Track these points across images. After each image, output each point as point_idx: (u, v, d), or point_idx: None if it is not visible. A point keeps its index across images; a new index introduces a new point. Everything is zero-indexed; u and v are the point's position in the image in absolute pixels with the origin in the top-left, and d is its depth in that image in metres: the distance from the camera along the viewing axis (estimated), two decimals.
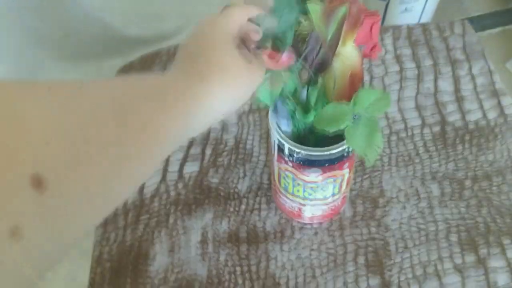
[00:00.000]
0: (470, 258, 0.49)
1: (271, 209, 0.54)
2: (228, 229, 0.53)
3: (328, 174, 0.43)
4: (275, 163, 0.46)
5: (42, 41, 1.26)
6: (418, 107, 0.62)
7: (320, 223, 0.52)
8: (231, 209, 0.54)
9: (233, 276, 0.49)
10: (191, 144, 0.59)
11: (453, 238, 0.51)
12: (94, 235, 0.54)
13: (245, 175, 0.56)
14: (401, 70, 0.65)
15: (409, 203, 0.53)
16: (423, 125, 0.60)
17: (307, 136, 0.43)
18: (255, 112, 0.62)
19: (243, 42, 0.33)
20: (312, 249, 0.50)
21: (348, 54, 0.40)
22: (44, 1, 1.15)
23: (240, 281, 0.49)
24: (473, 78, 0.65)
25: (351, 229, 0.51)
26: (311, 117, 0.40)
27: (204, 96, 0.28)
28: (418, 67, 0.66)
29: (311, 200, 0.47)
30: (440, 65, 0.66)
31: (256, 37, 0.33)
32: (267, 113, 0.43)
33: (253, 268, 0.50)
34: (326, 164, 0.42)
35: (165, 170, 0.57)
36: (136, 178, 0.25)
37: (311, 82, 0.42)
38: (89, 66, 1.36)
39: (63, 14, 1.19)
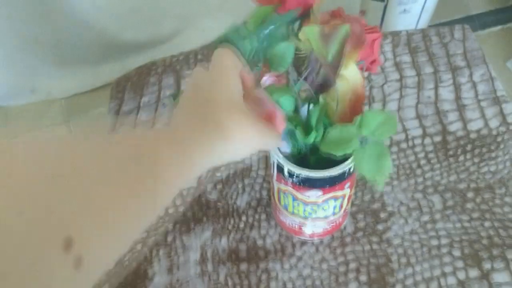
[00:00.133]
0: (473, 273, 0.49)
1: (271, 226, 0.53)
2: (227, 247, 0.52)
3: (329, 194, 0.43)
4: (275, 182, 0.45)
5: (38, 47, 1.25)
6: (418, 117, 0.61)
7: (321, 239, 0.51)
8: (230, 226, 0.53)
9: None
10: None
11: (456, 253, 0.50)
12: None
13: (244, 190, 0.56)
14: (401, 78, 0.64)
15: (411, 217, 0.52)
16: (424, 135, 0.59)
17: (307, 156, 0.42)
18: None
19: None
20: (313, 267, 0.50)
21: (350, 75, 0.39)
22: (40, 8, 1.14)
23: None
24: (474, 85, 0.63)
25: (352, 246, 0.51)
26: (312, 138, 0.39)
27: (227, 153, 0.28)
28: (418, 74, 0.65)
29: (312, 219, 0.47)
30: (440, 72, 0.65)
31: (251, 83, 0.32)
32: None
33: None
34: (327, 186, 0.41)
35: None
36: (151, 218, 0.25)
37: (311, 101, 0.41)
38: (86, 71, 1.35)
39: (58, 21, 1.18)
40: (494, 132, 0.59)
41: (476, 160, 0.56)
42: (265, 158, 0.58)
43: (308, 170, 0.40)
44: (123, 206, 0.22)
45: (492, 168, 0.56)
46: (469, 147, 0.58)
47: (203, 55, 0.69)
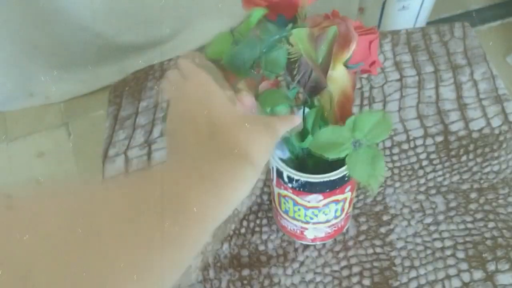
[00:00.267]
0: (478, 274, 0.48)
1: (273, 231, 0.52)
2: (229, 253, 0.51)
3: (330, 198, 0.42)
4: (275, 187, 0.44)
5: (36, 52, 1.25)
6: (419, 117, 0.60)
7: (324, 243, 0.51)
8: (231, 232, 0.53)
9: None
10: None
11: (460, 255, 0.49)
12: None
13: None
14: (401, 78, 0.64)
15: (414, 219, 0.52)
16: (425, 135, 0.58)
17: (305, 160, 0.42)
18: None
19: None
20: (316, 272, 0.49)
21: (338, 76, 0.38)
22: (37, 12, 1.14)
23: None
24: (475, 83, 0.63)
25: (355, 249, 0.50)
26: (308, 142, 0.39)
27: (255, 174, 0.27)
28: (419, 74, 0.64)
29: (313, 223, 0.46)
30: (441, 71, 0.64)
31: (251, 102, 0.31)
32: None
33: None
34: (327, 190, 0.41)
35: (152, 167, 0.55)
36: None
37: (306, 105, 0.40)
38: (84, 74, 1.34)
39: (55, 24, 1.17)
40: (496, 131, 0.58)
41: (478, 160, 0.56)
42: None
43: (308, 175, 0.39)
44: (154, 260, 0.20)
45: (495, 168, 0.55)
46: (471, 147, 0.57)
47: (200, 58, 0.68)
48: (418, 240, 0.50)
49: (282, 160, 0.41)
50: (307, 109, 0.40)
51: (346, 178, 0.40)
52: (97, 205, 0.20)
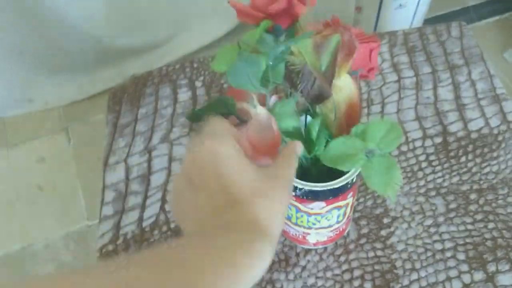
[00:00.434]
0: (478, 276, 0.48)
1: None
2: None
3: (333, 205, 0.42)
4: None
5: (34, 57, 1.25)
6: (418, 118, 0.60)
7: (325, 247, 0.51)
8: None
9: None
10: None
11: (461, 256, 0.49)
12: None
13: None
14: (399, 79, 0.64)
15: (414, 222, 0.52)
16: (424, 137, 0.59)
17: (309, 168, 0.42)
18: None
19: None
20: (318, 276, 0.49)
21: (343, 84, 0.38)
22: (34, 18, 1.14)
23: None
24: (473, 83, 0.63)
25: (356, 253, 0.50)
26: (314, 152, 0.39)
27: (272, 245, 0.25)
28: (417, 75, 0.64)
29: (316, 228, 0.46)
30: (438, 72, 0.64)
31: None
32: None
33: None
34: (330, 197, 0.41)
35: (163, 201, 0.55)
36: None
37: (308, 113, 0.40)
38: (82, 79, 1.34)
39: (53, 30, 1.17)
40: (495, 131, 0.58)
41: (478, 160, 0.56)
42: None
43: (311, 184, 0.39)
44: None
45: (494, 168, 0.55)
46: (470, 148, 0.57)
47: (199, 62, 0.68)
48: (419, 242, 0.51)
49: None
50: (309, 118, 0.40)
51: (349, 185, 0.41)
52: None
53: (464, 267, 0.49)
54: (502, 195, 0.53)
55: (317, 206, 0.42)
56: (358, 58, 0.38)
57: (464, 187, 0.54)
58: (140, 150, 0.60)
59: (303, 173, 0.41)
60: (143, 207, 0.55)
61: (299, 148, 0.32)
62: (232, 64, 0.31)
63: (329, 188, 0.39)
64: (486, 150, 0.57)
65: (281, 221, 0.27)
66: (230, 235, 0.24)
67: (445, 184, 0.55)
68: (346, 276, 0.49)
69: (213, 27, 1.31)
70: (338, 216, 0.45)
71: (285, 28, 0.38)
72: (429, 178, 0.55)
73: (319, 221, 0.45)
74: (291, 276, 0.50)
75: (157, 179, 0.57)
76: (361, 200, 0.54)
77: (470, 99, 0.61)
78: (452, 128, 0.59)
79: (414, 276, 0.49)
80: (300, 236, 0.49)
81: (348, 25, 0.39)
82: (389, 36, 0.69)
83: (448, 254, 0.50)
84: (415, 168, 0.56)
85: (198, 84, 0.66)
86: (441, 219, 0.52)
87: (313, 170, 0.42)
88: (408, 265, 0.49)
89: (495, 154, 0.56)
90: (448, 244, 0.50)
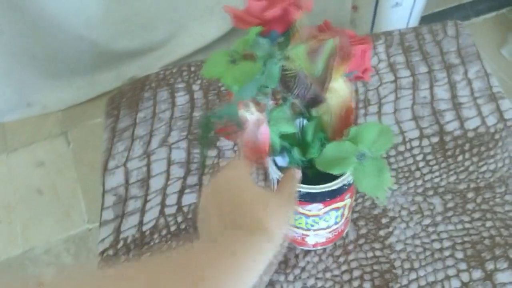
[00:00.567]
0: (477, 274, 0.49)
1: None
2: None
3: (330, 206, 0.43)
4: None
5: (31, 61, 1.25)
6: (415, 118, 0.61)
7: (324, 248, 0.52)
8: None
9: None
10: (187, 174, 0.58)
11: (459, 255, 0.50)
12: None
13: None
14: (396, 79, 0.64)
15: (412, 221, 0.52)
16: (421, 136, 0.59)
17: (305, 171, 0.42)
18: None
19: None
20: (317, 278, 0.50)
21: (339, 88, 0.39)
22: (31, 22, 1.14)
23: None
24: (469, 82, 0.63)
25: (355, 253, 0.51)
26: (310, 155, 0.39)
27: (274, 249, 0.29)
28: (413, 75, 0.64)
29: (314, 230, 0.47)
30: (435, 71, 0.64)
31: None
32: None
33: None
34: (328, 199, 0.41)
35: (163, 205, 0.56)
36: None
37: (304, 117, 0.40)
38: (81, 82, 1.34)
39: (50, 34, 1.17)
40: (492, 130, 0.59)
41: (475, 159, 0.56)
42: (264, 169, 0.58)
43: (307, 186, 0.39)
44: None
45: (492, 167, 0.56)
46: (467, 147, 0.58)
47: (196, 66, 0.68)
48: (417, 241, 0.51)
49: (282, 168, 0.41)
50: (304, 121, 0.41)
51: (346, 187, 0.41)
52: None
53: (463, 266, 0.49)
54: (500, 193, 0.54)
55: (315, 208, 0.42)
56: (352, 61, 0.39)
57: (462, 186, 0.55)
58: (139, 154, 0.61)
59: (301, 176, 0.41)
60: (142, 211, 0.56)
61: (298, 174, 0.37)
62: (226, 68, 0.32)
63: (325, 190, 0.39)
64: (483, 148, 0.57)
65: (283, 221, 0.31)
66: (234, 235, 0.28)
67: (443, 183, 0.55)
68: (346, 276, 0.50)
69: (211, 29, 1.31)
70: (336, 217, 0.45)
71: (281, 34, 0.38)
72: (427, 177, 0.55)
73: (317, 223, 0.45)
74: (290, 278, 0.50)
75: (156, 183, 0.58)
76: (359, 200, 0.54)
77: (467, 98, 0.62)
78: (449, 127, 0.59)
79: (413, 275, 0.49)
80: (299, 238, 0.49)
81: (342, 28, 0.39)
82: (385, 36, 0.69)
83: (447, 253, 0.50)
84: (413, 167, 0.56)
85: (195, 87, 0.66)
86: (439, 218, 0.52)
87: (310, 172, 0.42)
88: (406, 265, 0.50)
89: (492, 153, 0.57)
90: (446, 243, 0.51)
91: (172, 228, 0.54)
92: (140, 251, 0.53)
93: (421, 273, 0.49)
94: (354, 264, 0.50)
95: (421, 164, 0.57)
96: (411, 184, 0.55)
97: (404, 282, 0.49)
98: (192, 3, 1.27)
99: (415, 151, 0.58)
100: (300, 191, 0.40)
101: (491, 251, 0.50)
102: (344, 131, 0.36)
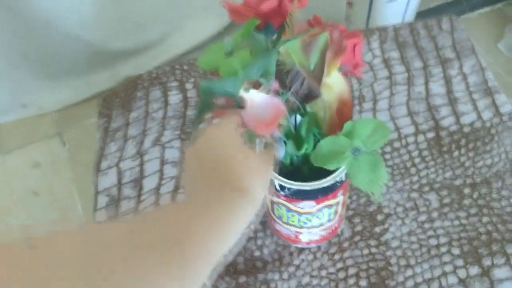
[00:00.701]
0: (474, 270, 0.48)
1: (267, 235, 0.52)
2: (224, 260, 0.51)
3: (323, 204, 0.42)
4: (267, 194, 0.44)
5: (26, 62, 1.24)
6: (410, 114, 0.60)
7: (319, 246, 0.51)
8: None
9: None
10: (180, 173, 0.57)
11: (456, 251, 0.49)
12: None
13: None
14: (391, 75, 0.64)
15: (408, 218, 0.52)
16: (416, 132, 0.58)
17: (300, 167, 0.42)
18: None
19: None
20: (312, 275, 0.49)
21: (334, 82, 0.38)
22: (25, 22, 1.13)
23: None
24: (465, 77, 0.63)
25: (350, 251, 0.50)
26: (303, 150, 0.39)
27: (255, 209, 0.29)
28: (408, 70, 0.64)
29: (307, 228, 0.46)
30: (430, 66, 0.64)
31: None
32: None
33: None
34: (320, 196, 0.41)
35: (156, 205, 0.55)
36: None
37: (298, 112, 0.40)
38: (76, 82, 1.33)
39: (44, 34, 1.17)
40: (488, 124, 0.58)
41: (470, 154, 0.56)
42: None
43: (298, 183, 0.39)
44: None
45: (488, 162, 0.55)
46: (463, 142, 0.57)
47: (189, 64, 0.68)
48: (413, 238, 0.51)
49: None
50: (299, 116, 0.40)
51: (338, 184, 0.40)
52: (108, 245, 0.22)
53: (460, 262, 0.49)
54: (496, 188, 0.53)
55: (307, 205, 0.41)
56: (344, 53, 0.38)
57: (458, 182, 0.54)
58: (132, 154, 0.60)
59: (295, 171, 0.41)
60: (136, 211, 0.55)
61: (279, 153, 0.36)
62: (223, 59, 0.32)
63: (317, 187, 0.39)
64: (479, 143, 0.57)
65: (264, 179, 0.32)
66: (212, 192, 0.28)
67: (439, 179, 0.54)
68: (341, 274, 0.49)
69: (205, 27, 1.31)
70: (329, 215, 0.45)
71: (276, 28, 0.38)
72: (422, 173, 0.55)
73: (310, 220, 0.44)
74: (285, 276, 0.50)
75: (149, 183, 0.57)
76: (354, 198, 0.54)
77: (462, 93, 0.61)
78: (445, 123, 0.59)
79: (409, 272, 0.48)
80: (293, 236, 0.49)
81: (334, 23, 0.39)
82: (380, 32, 0.68)
83: (443, 249, 0.50)
84: (408, 164, 0.56)
85: (188, 86, 0.65)
86: (435, 214, 0.52)
87: (305, 168, 0.42)
88: (402, 262, 0.49)
89: (488, 148, 0.56)
90: (443, 240, 0.50)
91: None
92: None
93: (418, 270, 0.48)
94: (349, 262, 0.50)
95: (416, 160, 0.56)
96: (407, 181, 0.55)
97: (400, 279, 0.48)
98: (187, 2, 1.26)
99: (411, 147, 0.57)
100: (291, 188, 0.39)
101: (488, 247, 0.49)
102: (343, 126, 0.36)
